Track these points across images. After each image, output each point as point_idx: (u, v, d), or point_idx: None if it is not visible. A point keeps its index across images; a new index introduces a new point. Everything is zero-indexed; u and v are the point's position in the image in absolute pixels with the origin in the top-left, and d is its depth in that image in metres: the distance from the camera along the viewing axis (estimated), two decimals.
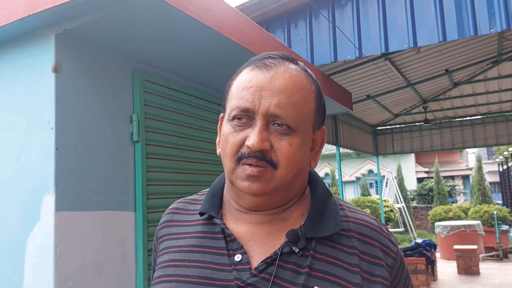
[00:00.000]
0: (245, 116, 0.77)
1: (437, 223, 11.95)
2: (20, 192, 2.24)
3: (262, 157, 0.75)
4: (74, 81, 2.32)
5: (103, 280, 2.33)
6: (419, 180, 25.70)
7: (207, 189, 0.97)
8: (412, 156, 25.34)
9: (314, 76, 0.86)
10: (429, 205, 19.14)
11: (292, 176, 0.78)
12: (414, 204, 19.56)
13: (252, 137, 0.74)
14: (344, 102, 4.76)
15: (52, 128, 2.18)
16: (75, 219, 2.22)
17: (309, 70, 0.86)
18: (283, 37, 4.23)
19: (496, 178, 24.19)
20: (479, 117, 10.74)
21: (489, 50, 7.08)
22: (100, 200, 2.38)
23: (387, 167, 16.69)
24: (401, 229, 13.54)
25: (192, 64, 2.96)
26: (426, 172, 27.16)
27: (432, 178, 20.72)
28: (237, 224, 0.82)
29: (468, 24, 3.67)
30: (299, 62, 0.85)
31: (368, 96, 7.83)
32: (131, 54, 2.67)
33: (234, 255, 0.77)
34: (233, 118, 0.78)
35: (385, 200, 12.57)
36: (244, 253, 0.77)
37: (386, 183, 14.40)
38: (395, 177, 16.02)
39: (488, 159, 27.96)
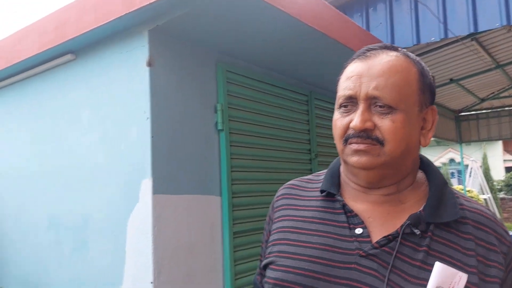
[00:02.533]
0: (350, 103, 0.85)
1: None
2: (120, 176, 2.47)
3: (367, 136, 0.82)
4: (166, 74, 2.49)
5: (194, 260, 2.49)
6: (508, 169, 23.63)
7: (322, 171, 1.04)
8: (499, 143, 23.34)
9: (416, 59, 0.89)
10: None
11: (400, 152, 0.83)
12: (501, 195, 18.08)
13: (355, 119, 0.82)
14: None
15: (148, 118, 2.36)
16: (170, 202, 2.40)
17: (410, 54, 0.89)
18: (361, 21, 4.13)
19: None
20: None
21: None
22: (190, 185, 2.54)
23: (471, 155, 15.58)
24: None
25: (273, 54, 3.01)
26: None
27: None
28: (356, 202, 0.88)
29: None
30: (400, 49, 0.89)
31: (451, 79, 7.36)
32: (214, 46, 2.79)
33: (355, 228, 0.84)
34: (340, 106, 0.87)
35: (469, 191, 11.80)
36: (364, 227, 0.84)
37: (470, 172, 13.46)
38: (480, 166, 14.93)
39: None
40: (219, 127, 2.76)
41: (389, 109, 0.81)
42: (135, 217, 2.37)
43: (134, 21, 2.39)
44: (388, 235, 0.82)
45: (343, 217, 0.87)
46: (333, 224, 0.87)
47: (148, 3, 2.16)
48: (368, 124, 0.81)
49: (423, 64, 0.90)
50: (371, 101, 0.82)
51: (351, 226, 0.85)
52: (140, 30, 2.43)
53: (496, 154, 22.29)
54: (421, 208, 0.85)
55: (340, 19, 3.03)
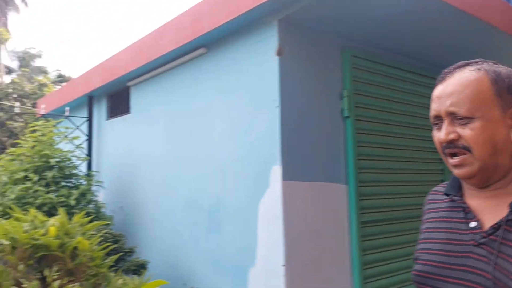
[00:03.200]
0: (438, 121, 1.00)
1: None
2: (250, 163, 2.58)
3: (454, 146, 0.95)
4: (294, 62, 2.52)
5: (321, 246, 2.51)
6: None
7: None
8: None
9: (491, 69, 0.99)
10: None
11: (488, 154, 0.94)
12: None
13: (441, 133, 0.97)
14: None
15: (277, 107, 2.43)
16: (298, 188, 2.45)
17: (484, 66, 1.00)
18: None
19: None
20: None
21: None
22: (317, 172, 2.56)
23: None
24: None
25: (400, 36, 2.85)
26: None
27: None
28: (472, 200, 1.02)
29: None
30: (473, 63, 1.01)
31: None
32: (340, 32, 2.74)
33: (470, 222, 0.98)
34: (433, 124, 1.02)
35: None
36: (477, 221, 0.97)
37: None
38: None
39: None
40: (345, 114, 2.72)
41: (466, 119, 0.94)
42: (265, 202, 2.47)
43: (264, 12, 2.45)
44: (494, 225, 0.93)
45: (461, 214, 1.01)
46: (454, 221, 1.02)
47: None
48: (452, 136, 0.95)
49: (500, 70, 0.99)
50: (452, 116, 0.95)
51: (467, 220, 0.99)
52: (270, 21, 2.49)
53: None
54: None
55: None
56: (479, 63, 1.01)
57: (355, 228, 2.63)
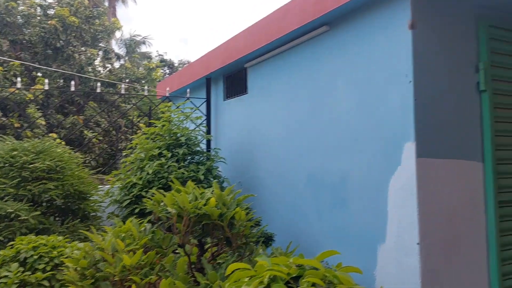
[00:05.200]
0: None
1: None
2: (379, 139, 2.57)
3: None
4: (427, 35, 2.43)
5: (456, 226, 2.44)
6: None
7: None
8: None
9: None
10: None
11: None
12: None
13: None
14: None
15: (410, 81, 2.37)
16: (433, 166, 2.39)
17: None
18: None
19: None
20: None
21: None
22: (451, 149, 2.47)
23: None
24: None
25: None
26: None
27: None
28: None
29: None
30: None
31: None
32: (476, 0, 2.57)
33: None
34: None
35: None
36: None
37: None
38: None
39: None
40: (482, 88, 2.57)
41: None
42: (397, 179, 2.45)
43: None
44: None
45: None
46: None
47: None
48: None
49: None
50: None
51: None
52: None
53: None
54: None
55: None
56: None
57: (492, 208, 2.51)
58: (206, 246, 2.08)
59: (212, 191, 2.04)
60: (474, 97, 2.59)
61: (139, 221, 2.32)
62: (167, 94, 4.70)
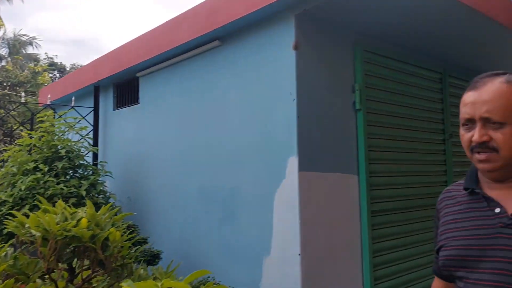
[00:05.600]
0: (469, 122, 1.14)
1: None
2: (267, 154, 2.64)
3: (485, 146, 1.11)
4: (309, 56, 2.58)
5: (335, 235, 2.60)
6: None
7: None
8: None
9: None
10: None
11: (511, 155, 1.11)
12: None
13: (475, 135, 1.12)
14: None
15: (294, 99, 2.48)
16: (314, 179, 2.52)
17: (510, 78, 1.14)
18: None
19: None
20: None
21: None
22: (330, 163, 2.63)
23: None
24: None
25: (408, 31, 2.92)
26: None
27: None
28: (491, 191, 1.18)
29: None
30: (504, 75, 1.15)
31: None
32: (353, 27, 2.80)
33: (494, 209, 1.14)
34: (463, 124, 1.17)
35: None
36: (501, 206, 1.14)
37: None
38: None
39: None
40: (357, 107, 2.79)
41: (499, 124, 1.09)
42: (281, 192, 2.53)
43: (282, 7, 2.50)
44: None
45: (484, 203, 1.17)
46: (479, 210, 1.18)
47: None
48: (485, 138, 1.10)
49: None
50: (485, 120, 1.10)
51: (491, 208, 1.15)
52: (287, 15, 2.54)
53: None
54: None
55: None
56: (506, 74, 1.16)
57: (366, 217, 2.72)
58: (78, 271, 1.91)
59: (85, 210, 1.88)
60: (351, 115, 2.81)
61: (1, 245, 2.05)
62: (48, 102, 4.30)
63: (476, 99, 1.13)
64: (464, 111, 1.15)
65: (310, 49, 2.59)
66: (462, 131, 1.18)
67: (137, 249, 2.10)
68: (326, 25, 2.70)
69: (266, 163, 2.64)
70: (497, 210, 1.14)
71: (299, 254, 2.39)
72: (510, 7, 3.15)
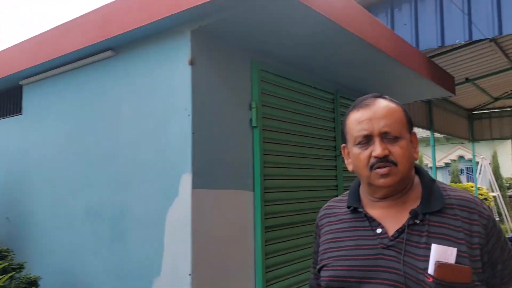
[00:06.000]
0: (366, 139, 1.14)
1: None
2: (160, 171, 2.56)
3: (386, 160, 1.12)
4: (206, 72, 2.57)
5: (229, 253, 2.59)
6: None
7: (347, 192, 1.34)
8: (509, 142, 23.20)
9: (397, 101, 1.23)
10: None
11: (408, 167, 1.15)
12: (510, 193, 18.07)
13: (376, 149, 1.12)
14: (446, 86, 4.60)
15: (189, 115, 2.45)
16: (208, 196, 2.49)
17: (393, 99, 1.23)
18: (386, 21, 4.17)
19: None
20: None
21: None
22: (226, 180, 2.63)
23: (481, 153, 15.54)
24: (496, 219, 12.51)
25: (303, 53, 3.09)
26: None
27: None
28: (373, 210, 1.20)
29: None
30: (385, 96, 1.22)
31: (467, 79, 7.38)
32: (250, 46, 2.86)
33: (376, 229, 1.15)
34: (359, 143, 1.16)
35: (479, 188, 11.83)
36: (382, 227, 1.15)
37: (480, 170, 13.50)
38: (490, 164, 14.95)
39: None
40: (253, 124, 2.85)
41: (396, 139, 1.13)
42: (174, 210, 2.47)
43: (178, 21, 2.46)
44: (399, 229, 1.12)
45: (366, 223, 1.17)
46: (360, 229, 1.18)
47: (195, 5, 2.24)
48: (386, 151, 1.11)
49: (401, 104, 1.24)
50: (383, 135, 1.13)
51: (373, 228, 1.16)
52: (183, 30, 2.51)
53: (505, 153, 22.15)
54: (418, 204, 1.15)
55: (371, 21, 3.10)
56: (385, 96, 1.24)
57: (259, 233, 2.77)
58: None
59: None
60: (248, 132, 2.85)
61: None
62: None
63: (372, 116, 1.14)
64: (361, 128, 1.14)
65: (207, 66, 2.59)
66: (357, 150, 1.16)
67: (2, 278, 1.86)
68: (224, 43, 2.72)
69: (159, 180, 2.56)
70: (379, 230, 1.14)
71: (189, 274, 2.33)
72: (392, 36, 3.49)
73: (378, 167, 1.11)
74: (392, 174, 1.11)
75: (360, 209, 1.20)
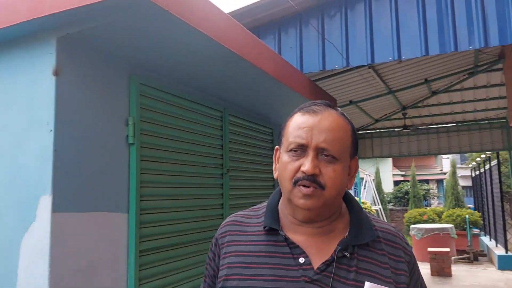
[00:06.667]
0: (300, 149, 0.99)
1: (412, 226, 12.30)
2: (16, 193, 2.27)
3: (313, 180, 0.97)
4: (74, 84, 2.36)
5: (95, 280, 2.38)
6: (396, 183, 26.25)
7: (260, 206, 1.16)
8: (390, 159, 25.83)
9: (349, 118, 1.09)
10: (404, 207, 19.57)
11: (335, 195, 1.00)
12: (390, 206, 19.99)
13: (307, 164, 0.96)
14: None
15: (51, 130, 2.21)
16: (71, 220, 2.26)
17: (345, 114, 1.10)
18: (273, 44, 4.33)
19: (469, 183, 24.84)
20: (454, 125, 11.12)
21: (466, 62, 7.37)
22: (95, 202, 2.43)
23: (366, 169, 17.01)
24: None
25: (188, 70, 3.03)
26: (402, 175, 27.74)
27: (408, 181, 21.22)
28: (295, 235, 1.03)
29: (449, 40, 3.85)
30: (338, 108, 1.09)
31: (350, 101, 8.01)
32: (128, 58, 2.72)
33: (298, 258, 0.99)
34: (291, 150, 1.00)
35: (363, 202, 12.87)
36: (306, 256, 0.99)
37: (365, 185, 14.72)
38: (373, 180, 16.39)
39: (461, 164, 28.67)
40: (130, 141, 2.69)
41: (333, 159, 0.98)
42: (30, 237, 2.19)
43: (42, 27, 2.24)
44: (326, 261, 0.98)
45: (286, 249, 1.01)
46: (279, 256, 1.01)
47: (58, 10, 2.04)
48: (317, 170, 0.97)
49: (352, 122, 1.10)
50: (319, 151, 0.98)
51: (295, 256, 1.00)
52: (48, 37, 2.28)
53: (387, 169, 24.56)
54: (347, 234, 1.04)
55: (256, 45, 3.16)
56: (337, 108, 1.09)
57: (133, 258, 2.59)
58: None
59: None
60: (123, 149, 2.68)
61: None
62: None
63: (315, 125, 0.99)
64: (298, 135, 0.99)
65: (76, 77, 2.38)
66: (287, 157, 1.01)
67: None
68: (97, 53, 2.53)
69: (15, 203, 2.26)
70: (301, 259, 0.98)
71: None
72: (276, 58, 3.61)
73: (303, 185, 0.97)
74: (315, 197, 0.97)
75: (281, 232, 1.03)
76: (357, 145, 1.07)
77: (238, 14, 4.15)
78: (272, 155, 4.00)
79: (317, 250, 1.00)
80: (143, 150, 2.77)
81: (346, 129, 1.04)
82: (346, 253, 0.99)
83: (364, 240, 1.02)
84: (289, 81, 3.78)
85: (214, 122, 3.67)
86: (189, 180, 3.22)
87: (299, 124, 1.01)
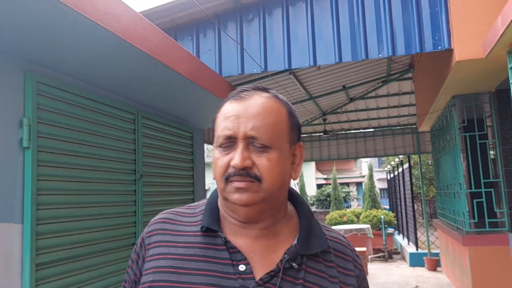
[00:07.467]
0: (229, 142, 0.88)
1: (332, 227, 12.79)
2: None
3: (247, 174, 0.85)
4: None
5: None
6: (319, 186, 27.31)
7: (197, 203, 1.03)
8: (313, 163, 26.83)
9: (285, 100, 0.96)
10: (327, 209, 20.40)
11: (277, 187, 0.88)
12: (313, 209, 20.69)
13: (235, 157, 0.85)
14: None
15: None
16: None
17: (280, 95, 0.96)
18: (191, 45, 4.24)
19: (385, 185, 26.66)
20: (371, 130, 11.83)
21: (380, 70, 7.87)
22: None
23: None
24: None
25: (94, 68, 2.83)
26: (325, 178, 28.94)
27: (330, 184, 22.17)
28: (236, 238, 0.90)
29: (360, 48, 4.06)
30: (271, 90, 0.95)
31: None
32: (24, 54, 2.47)
33: (238, 265, 0.86)
34: (220, 145, 0.89)
35: None
36: (247, 264, 0.87)
37: None
38: (297, 183, 16.86)
39: (379, 167, 30.65)
40: (25, 145, 2.44)
41: (265, 148, 0.86)
42: None
43: None
44: (270, 272, 0.86)
45: (225, 254, 0.88)
46: (216, 262, 0.87)
47: None
48: (248, 162, 0.85)
49: (290, 105, 0.97)
50: (249, 140, 0.86)
51: (234, 262, 0.87)
52: None
53: (310, 173, 25.44)
54: (295, 241, 0.92)
55: (168, 43, 3.06)
56: (272, 90, 0.96)
57: (29, 272, 2.35)
58: None
59: None
60: (17, 154, 2.42)
61: None
62: None
63: (241, 112, 0.87)
64: (225, 126, 0.88)
65: None
66: (217, 153, 0.90)
67: None
68: None
69: None
70: (242, 267, 0.86)
71: None
72: (192, 60, 3.53)
73: (235, 180, 0.86)
74: (251, 190, 0.85)
75: (221, 234, 0.90)
76: (298, 129, 0.95)
77: (154, 13, 4.00)
78: (192, 159, 3.88)
79: (261, 257, 0.89)
80: (41, 155, 2.54)
81: (280, 112, 0.90)
82: (294, 264, 0.88)
83: (314, 250, 0.91)
84: (207, 84, 3.72)
85: (125, 124, 3.49)
86: (96, 186, 3.01)
87: (225, 114, 0.89)
